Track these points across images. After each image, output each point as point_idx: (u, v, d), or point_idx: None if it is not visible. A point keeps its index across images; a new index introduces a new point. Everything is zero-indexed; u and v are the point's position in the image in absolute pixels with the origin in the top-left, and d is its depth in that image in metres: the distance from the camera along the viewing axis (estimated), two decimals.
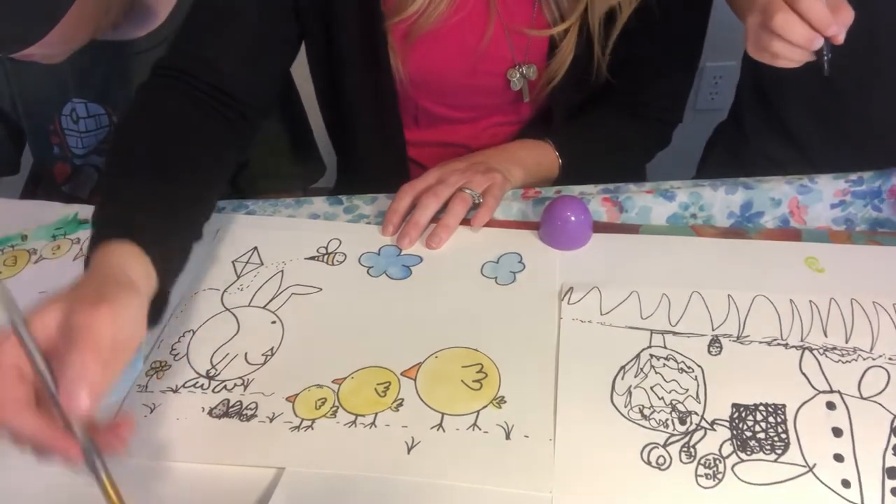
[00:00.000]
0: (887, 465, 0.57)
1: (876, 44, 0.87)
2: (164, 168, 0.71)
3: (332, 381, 0.66)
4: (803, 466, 0.58)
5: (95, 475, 0.48)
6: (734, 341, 0.67)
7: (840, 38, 0.68)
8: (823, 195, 0.81)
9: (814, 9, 0.67)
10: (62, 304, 0.51)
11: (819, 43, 0.68)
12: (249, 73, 0.84)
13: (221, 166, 0.81)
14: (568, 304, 0.71)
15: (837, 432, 0.60)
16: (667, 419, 0.61)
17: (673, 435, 0.60)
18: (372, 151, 0.99)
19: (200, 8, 0.84)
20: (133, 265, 0.58)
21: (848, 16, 0.68)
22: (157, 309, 0.62)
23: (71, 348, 0.48)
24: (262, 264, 0.80)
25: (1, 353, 0.48)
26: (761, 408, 0.62)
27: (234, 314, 0.74)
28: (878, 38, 0.87)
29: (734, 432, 0.60)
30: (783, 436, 0.59)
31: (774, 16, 0.69)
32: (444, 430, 0.62)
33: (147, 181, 0.69)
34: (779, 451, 0.59)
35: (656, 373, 0.65)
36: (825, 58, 0.69)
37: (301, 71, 0.99)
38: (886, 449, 0.58)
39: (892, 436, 0.59)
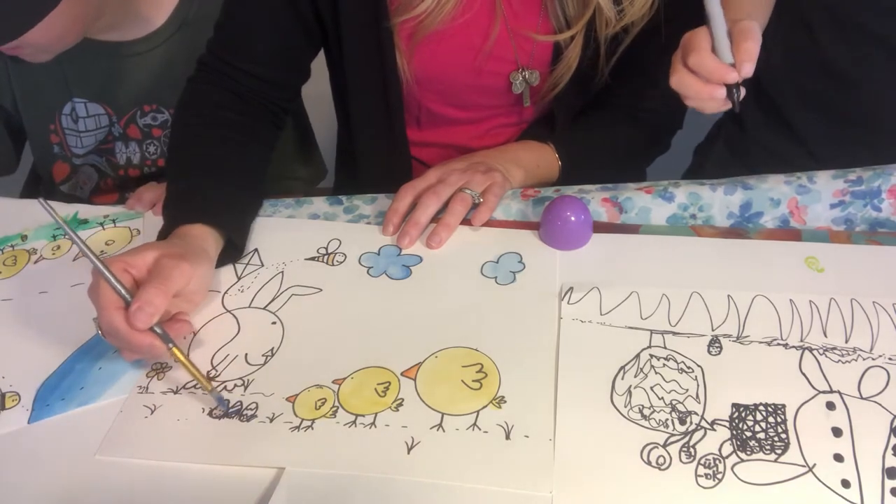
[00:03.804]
0: (887, 465, 0.57)
1: (872, 34, 0.87)
2: (224, 163, 0.83)
3: (332, 382, 0.66)
4: (803, 466, 0.58)
5: (170, 349, 0.65)
6: (734, 341, 0.67)
7: (746, 73, 0.65)
8: (822, 195, 0.81)
9: (703, 66, 0.65)
10: (156, 251, 0.68)
11: (723, 92, 0.66)
12: (281, 64, 0.92)
13: (267, 154, 0.92)
14: (568, 303, 0.72)
15: (837, 432, 0.60)
16: (667, 419, 0.61)
17: (673, 435, 0.60)
18: (376, 150, 0.99)
19: (233, 6, 0.89)
20: (210, 242, 0.75)
21: (752, 49, 0.65)
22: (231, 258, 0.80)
23: (147, 283, 0.65)
24: (263, 265, 0.80)
25: (101, 284, 0.65)
26: (761, 408, 0.62)
27: (234, 315, 0.74)
28: (873, 27, 0.87)
29: (734, 432, 0.60)
30: (783, 436, 0.59)
31: (671, 77, 0.68)
32: (443, 430, 0.62)
33: (216, 176, 0.82)
34: (779, 451, 0.59)
35: (656, 373, 0.65)
36: (735, 95, 0.67)
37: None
38: (886, 449, 0.58)
39: (892, 436, 0.59)
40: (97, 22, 0.93)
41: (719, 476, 0.57)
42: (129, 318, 0.63)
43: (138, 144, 1.07)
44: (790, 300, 0.70)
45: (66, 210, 0.89)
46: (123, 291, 0.65)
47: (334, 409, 0.64)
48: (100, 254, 0.82)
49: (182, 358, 0.65)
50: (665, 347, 0.67)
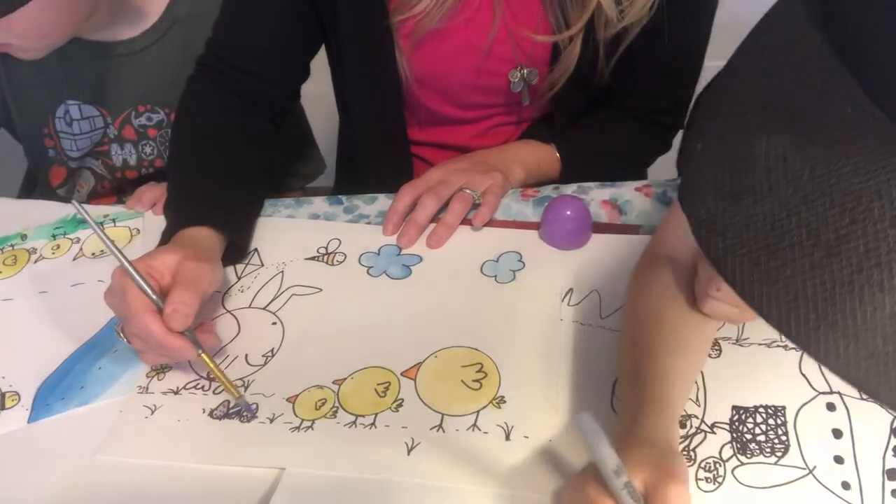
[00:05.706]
0: (887, 466, 0.57)
1: None
2: (226, 165, 0.84)
3: (333, 382, 0.66)
4: (803, 469, 0.58)
5: (201, 356, 0.66)
6: (733, 343, 0.67)
7: None
8: None
9: None
10: (175, 255, 0.69)
11: None
12: (281, 63, 0.91)
13: (268, 154, 0.92)
14: (568, 305, 0.71)
15: (837, 434, 0.60)
16: None
17: None
18: (377, 149, 0.99)
19: (232, 5, 0.89)
20: (214, 243, 0.76)
21: None
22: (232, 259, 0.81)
23: (177, 285, 0.66)
24: (263, 265, 0.80)
25: (130, 287, 0.65)
26: (761, 410, 0.62)
27: (234, 316, 0.74)
28: None
29: (734, 435, 0.60)
30: (783, 438, 0.59)
31: None
32: (443, 431, 0.62)
33: (217, 177, 0.82)
34: (779, 454, 0.59)
35: None
36: None
37: None
38: (886, 450, 0.58)
39: (892, 437, 0.59)
40: (89, 19, 0.92)
41: (719, 479, 0.57)
42: (166, 320, 0.63)
43: (134, 146, 1.06)
44: None
45: (65, 210, 0.88)
46: (154, 296, 0.65)
47: (334, 409, 0.64)
48: (98, 254, 0.83)
49: (211, 365, 0.65)
50: None
